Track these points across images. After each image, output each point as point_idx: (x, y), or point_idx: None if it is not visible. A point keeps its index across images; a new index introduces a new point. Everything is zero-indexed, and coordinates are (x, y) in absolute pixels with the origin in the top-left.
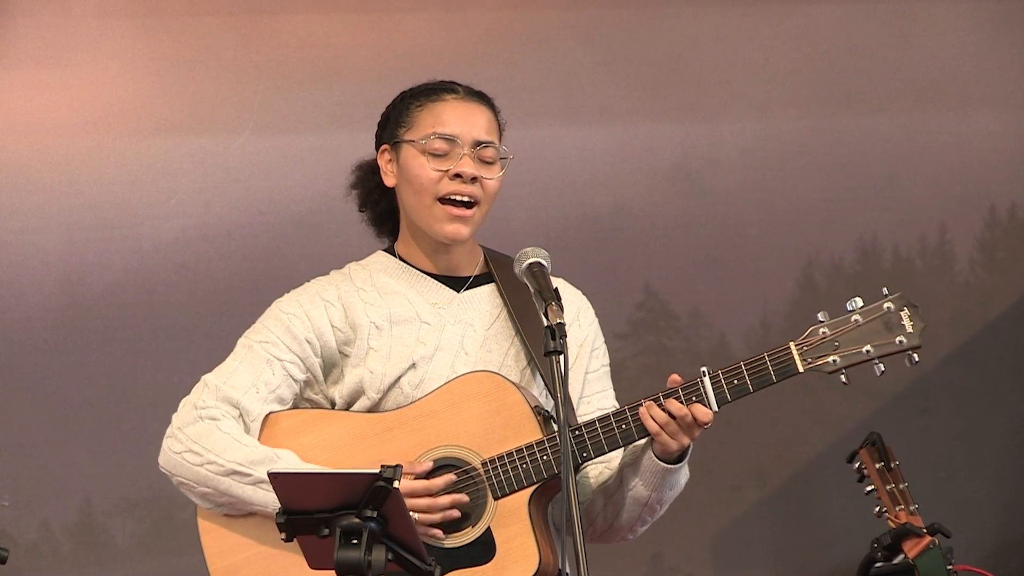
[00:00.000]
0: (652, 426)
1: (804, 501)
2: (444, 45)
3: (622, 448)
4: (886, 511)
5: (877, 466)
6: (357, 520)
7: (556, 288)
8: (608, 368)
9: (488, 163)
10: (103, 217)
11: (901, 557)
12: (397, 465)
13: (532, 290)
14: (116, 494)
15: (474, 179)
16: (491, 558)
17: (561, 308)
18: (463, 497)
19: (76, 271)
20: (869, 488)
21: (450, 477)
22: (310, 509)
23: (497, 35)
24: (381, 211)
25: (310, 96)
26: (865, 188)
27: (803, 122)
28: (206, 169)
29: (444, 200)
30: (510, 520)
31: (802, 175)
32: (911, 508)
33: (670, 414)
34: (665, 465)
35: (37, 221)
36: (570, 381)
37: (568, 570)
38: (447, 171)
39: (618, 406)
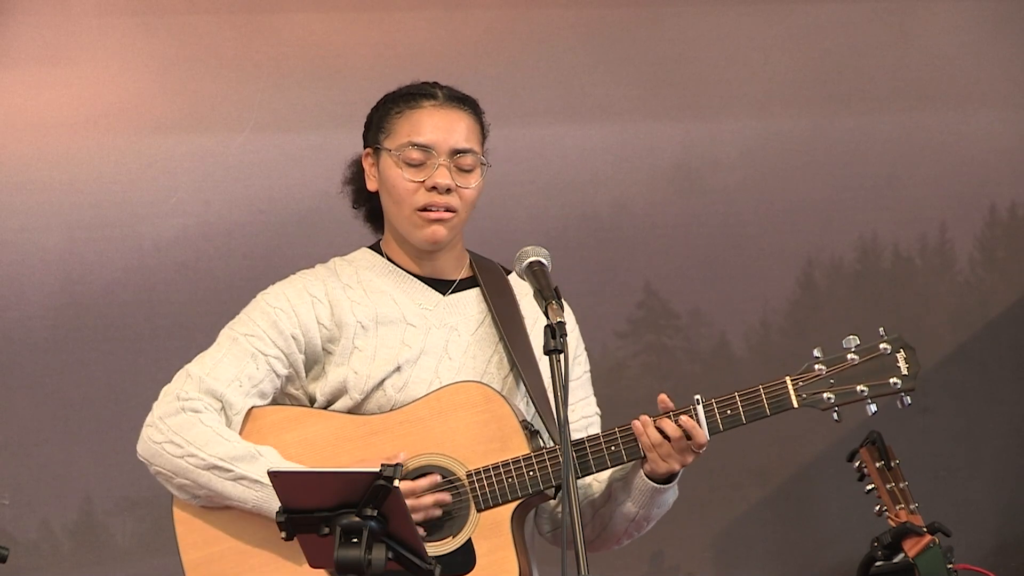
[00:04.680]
0: (645, 442)
1: (804, 500)
2: (444, 44)
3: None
4: (886, 510)
5: (877, 465)
6: (357, 519)
7: (556, 287)
8: (589, 374)
9: (465, 171)
10: (103, 216)
11: (901, 556)
12: (397, 464)
13: (532, 289)
14: (116, 493)
15: (449, 190)
16: (470, 569)
17: (562, 307)
18: (446, 496)
19: (76, 270)
20: (869, 487)
21: (435, 478)
22: (310, 508)
23: (497, 34)
24: (372, 209)
25: (310, 95)
26: (865, 188)
27: (803, 121)
28: (206, 168)
29: (421, 210)
30: (492, 533)
31: (802, 174)
32: (911, 507)
33: (664, 435)
34: (654, 485)
35: (37, 220)
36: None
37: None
38: (423, 182)
39: (599, 412)
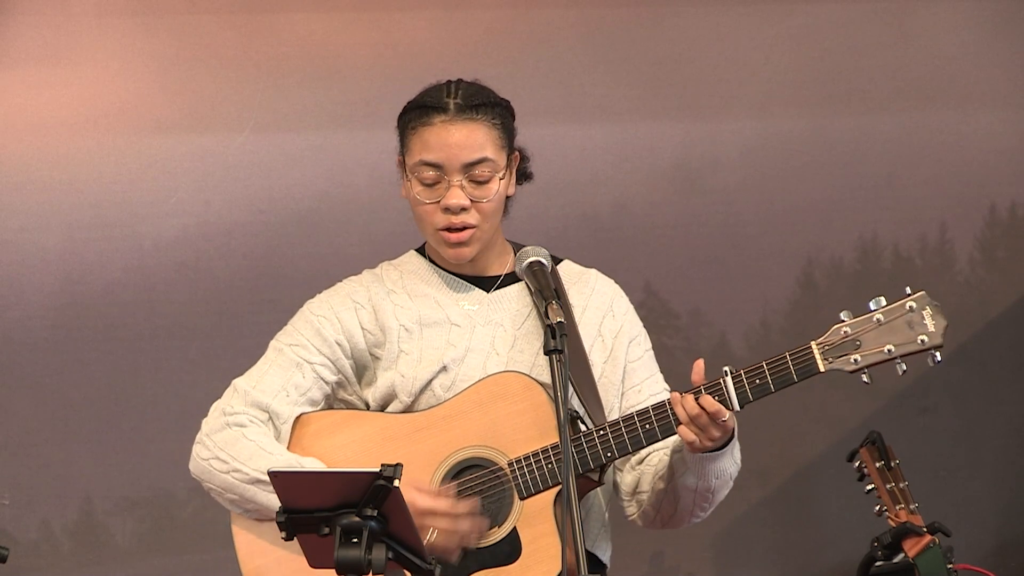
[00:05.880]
0: (682, 415)
1: (804, 500)
2: (444, 44)
3: (646, 448)
4: (886, 510)
5: (877, 465)
6: (357, 519)
7: (556, 288)
8: (651, 352)
9: (482, 182)
10: (103, 216)
11: (901, 556)
12: (397, 464)
13: (532, 289)
14: (116, 493)
15: (464, 208)
16: (517, 558)
17: (561, 307)
18: (483, 523)
19: (76, 270)
20: (869, 487)
21: (475, 503)
22: (310, 508)
23: (498, 34)
24: None
25: (310, 95)
26: (865, 188)
27: (803, 121)
28: (206, 168)
29: (442, 229)
30: (536, 520)
31: (802, 175)
32: (911, 507)
33: (688, 414)
34: (701, 454)
35: (37, 220)
36: (606, 373)
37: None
38: (438, 202)
39: (668, 388)
